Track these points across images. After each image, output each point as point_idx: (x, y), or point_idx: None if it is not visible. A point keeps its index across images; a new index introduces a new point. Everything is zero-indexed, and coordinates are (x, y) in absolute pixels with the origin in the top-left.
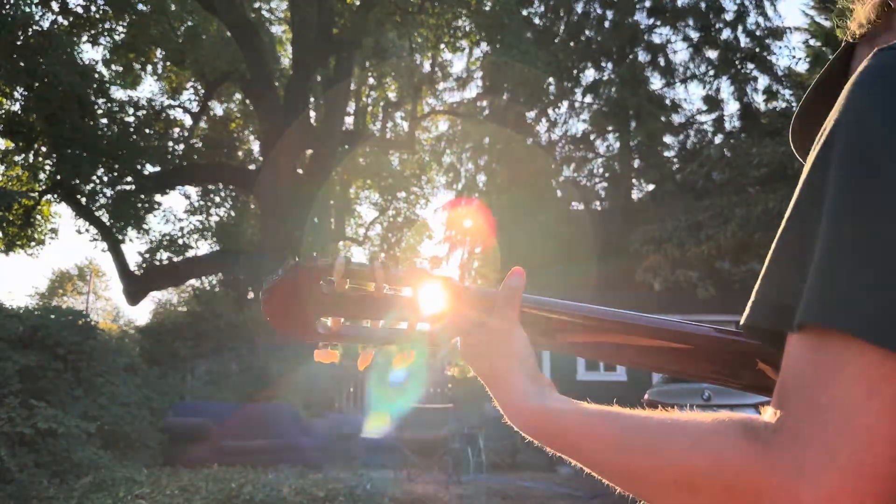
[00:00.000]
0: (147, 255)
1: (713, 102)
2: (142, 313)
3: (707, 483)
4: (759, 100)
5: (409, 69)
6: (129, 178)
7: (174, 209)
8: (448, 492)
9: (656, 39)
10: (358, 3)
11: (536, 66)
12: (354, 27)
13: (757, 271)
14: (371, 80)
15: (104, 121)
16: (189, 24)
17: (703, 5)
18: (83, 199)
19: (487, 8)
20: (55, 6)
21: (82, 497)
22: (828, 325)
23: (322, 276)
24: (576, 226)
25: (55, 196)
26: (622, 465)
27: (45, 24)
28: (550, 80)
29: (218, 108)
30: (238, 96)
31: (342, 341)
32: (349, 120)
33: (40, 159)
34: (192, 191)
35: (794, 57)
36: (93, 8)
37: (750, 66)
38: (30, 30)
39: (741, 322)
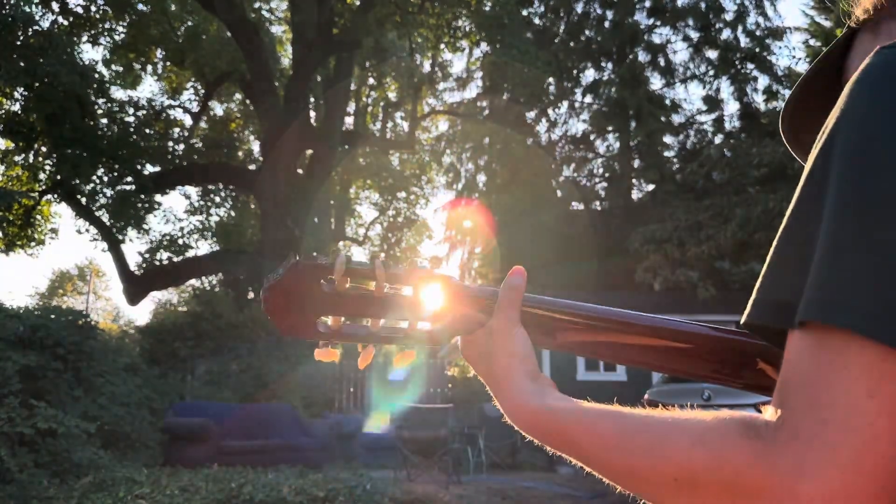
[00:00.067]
0: (147, 255)
1: (713, 102)
2: (142, 313)
3: (707, 481)
4: (759, 100)
5: (409, 69)
6: (129, 178)
7: (174, 209)
8: (448, 492)
9: (656, 39)
10: (358, 3)
11: (536, 66)
12: (354, 27)
13: (757, 271)
14: (371, 80)
15: (104, 121)
16: (189, 24)
17: (703, 5)
18: (83, 199)
19: (487, 8)
20: (55, 6)
21: (82, 497)
22: (829, 322)
23: (323, 275)
24: (576, 226)
25: (55, 196)
26: (622, 464)
27: (45, 24)
28: (550, 80)
29: (218, 108)
30: (238, 96)
31: (342, 340)
32: (349, 120)
33: (40, 159)
34: (192, 191)
35: (794, 57)
36: (93, 8)
37: (750, 66)
38: (30, 30)
39: (742, 320)
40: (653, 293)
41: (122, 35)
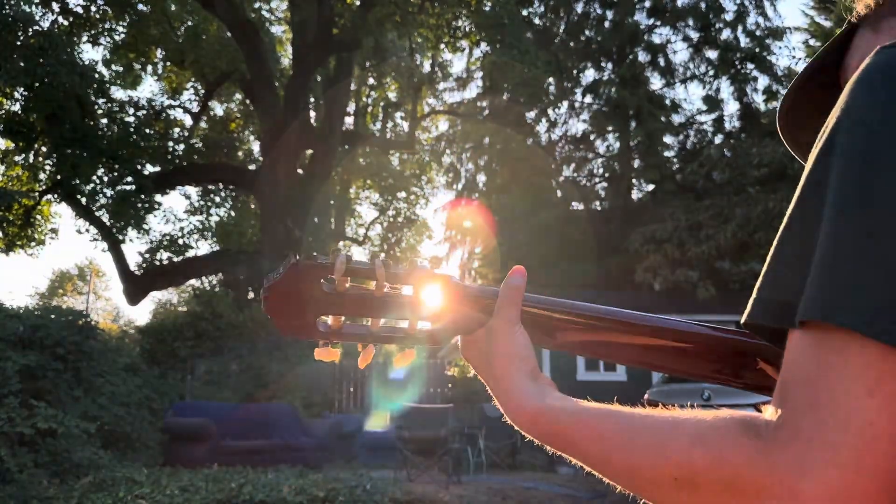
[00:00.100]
0: (147, 255)
1: (713, 102)
2: (142, 313)
3: (708, 480)
4: (759, 100)
5: (409, 69)
6: (129, 178)
7: (174, 209)
8: (448, 492)
9: (656, 39)
10: (358, 3)
11: (536, 66)
12: (354, 27)
13: (757, 271)
14: (371, 80)
15: (104, 121)
16: (189, 24)
17: (703, 5)
18: (83, 199)
19: (487, 8)
20: (55, 6)
21: (82, 497)
22: (829, 321)
23: (323, 274)
24: (576, 226)
25: (55, 196)
26: (623, 464)
27: (45, 24)
28: (550, 80)
29: (218, 108)
30: (238, 96)
31: (343, 339)
32: (349, 120)
33: (40, 159)
34: (192, 191)
35: (794, 57)
36: (93, 8)
37: (750, 66)
38: (30, 30)
39: (742, 320)
40: (653, 293)
41: (122, 35)
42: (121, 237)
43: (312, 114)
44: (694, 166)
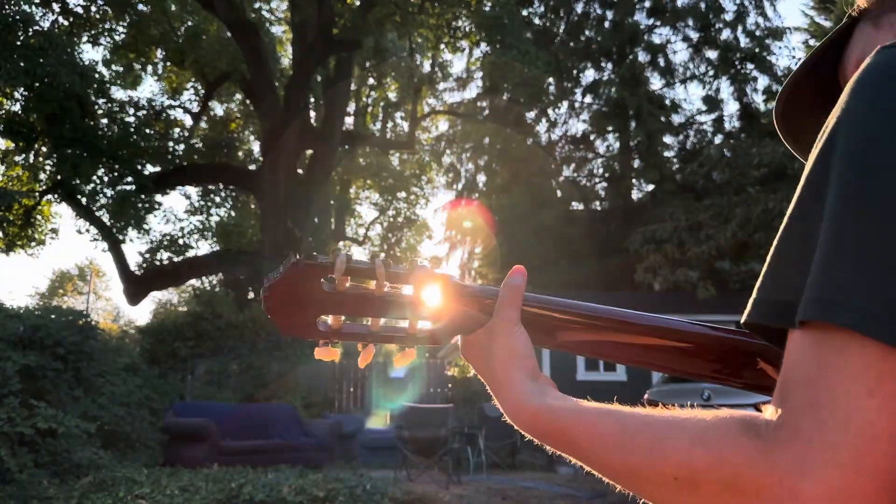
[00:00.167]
0: (147, 256)
1: (713, 103)
2: (142, 313)
3: (708, 480)
4: (758, 100)
5: (409, 69)
6: (129, 179)
7: (174, 209)
8: (448, 492)
9: (656, 39)
10: (358, 3)
11: (536, 66)
12: (354, 27)
13: (757, 271)
14: (371, 81)
15: (104, 121)
16: (189, 24)
17: (703, 5)
18: (83, 199)
19: (487, 8)
20: (55, 6)
21: (82, 497)
22: (829, 321)
23: (323, 274)
24: (576, 226)
25: (55, 196)
26: (622, 463)
27: (45, 24)
28: (550, 80)
29: (218, 108)
30: (238, 96)
31: (343, 339)
32: (349, 120)
33: (41, 159)
34: (193, 191)
35: (794, 57)
36: (93, 8)
37: (750, 66)
38: (30, 30)
39: (742, 320)
40: (653, 293)
41: (123, 35)
42: (121, 237)
43: (312, 114)
44: (694, 166)
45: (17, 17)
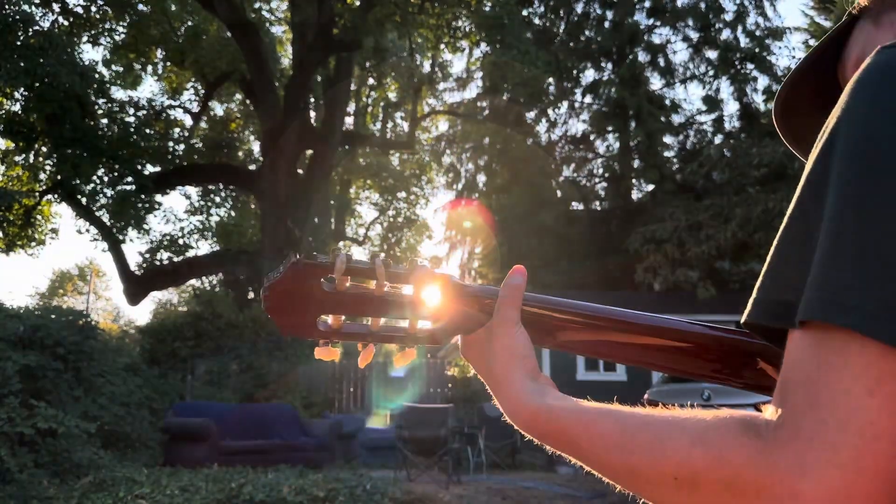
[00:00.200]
0: (147, 256)
1: (713, 102)
2: (142, 313)
3: (708, 480)
4: (758, 100)
5: (409, 69)
6: (129, 179)
7: (174, 209)
8: (448, 492)
9: (656, 39)
10: (358, 3)
11: (536, 66)
12: (354, 27)
13: (757, 271)
14: (371, 81)
15: (104, 121)
16: (189, 24)
17: (702, 5)
18: (83, 199)
19: (487, 8)
20: (55, 6)
21: (82, 497)
22: (829, 321)
23: (323, 274)
24: (576, 226)
25: (55, 196)
26: (622, 463)
27: (45, 24)
28: (550, 80)
29: (218, 108)
30: (238, 96)
31: (343, 339)
32: (349, 120)
33: (41, 159)
34: (193, 191)
35: (794, 57)
36: (93, 8)
37: (750, 66)
38: (30, 30)
39: (742, 320)
40: (653, 293)
41: (123, 35)
42: (121, 237)
43: (312, 114)
44: (694, 166)
45: (17, 17)
